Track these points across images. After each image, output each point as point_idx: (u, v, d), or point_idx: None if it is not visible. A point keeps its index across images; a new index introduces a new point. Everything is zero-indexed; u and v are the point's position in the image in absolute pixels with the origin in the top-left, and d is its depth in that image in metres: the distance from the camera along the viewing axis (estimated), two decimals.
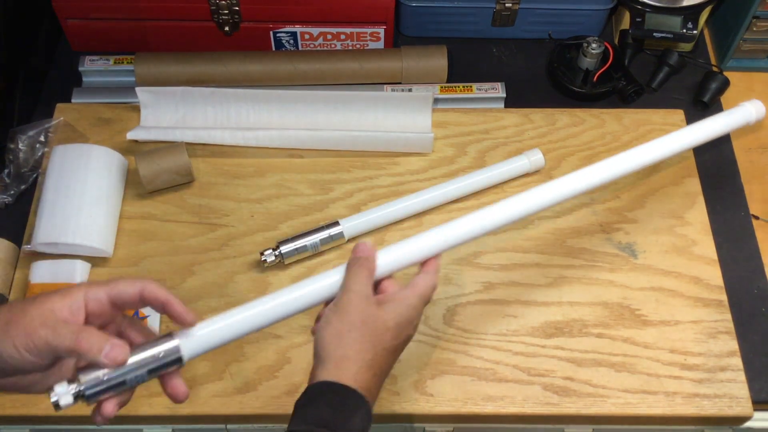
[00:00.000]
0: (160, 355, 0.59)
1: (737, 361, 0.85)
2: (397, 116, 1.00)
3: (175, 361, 0.60)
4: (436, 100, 1.04)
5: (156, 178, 0.93)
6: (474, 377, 0.83)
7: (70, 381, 0.57)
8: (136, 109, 1.01)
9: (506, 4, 1.08)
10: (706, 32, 1.15)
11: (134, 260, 0.91)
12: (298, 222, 0.94)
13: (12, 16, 1.02)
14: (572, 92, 1.06)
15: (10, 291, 0.88)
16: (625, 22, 1.09)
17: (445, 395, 0.82)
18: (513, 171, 0.96)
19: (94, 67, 1.07)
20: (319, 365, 0.62)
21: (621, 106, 1.06)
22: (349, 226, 0.90)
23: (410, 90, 1.04)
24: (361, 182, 0.97)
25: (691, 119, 1.03)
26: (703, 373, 0.84)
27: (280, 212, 0.94)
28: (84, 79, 1.08)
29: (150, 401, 0.81)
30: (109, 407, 0.58)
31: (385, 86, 1.05)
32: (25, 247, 0.90)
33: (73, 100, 1.04)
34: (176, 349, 0.60)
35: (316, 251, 0.90)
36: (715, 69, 1.09)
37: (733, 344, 0.86)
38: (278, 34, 1.08)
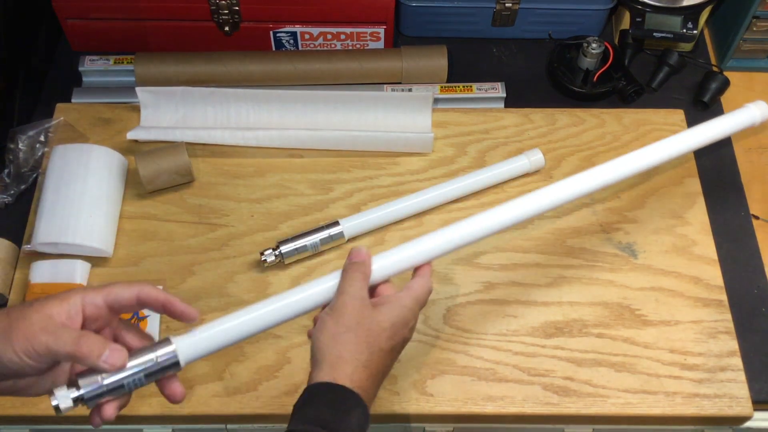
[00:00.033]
0: (158, 360, 0.60)
1: (737, 361, 0.85)
2: (397, 116, 1.00)
3: (173, 366, 0.61)
4: (436, 100, 1.04)
5: (156, 178, 0.93)
6: (474, 377, 0.83)
7: (70, 385, 0.58)
8: (136, 109, 1.01)
9: (506, 4, 1.08)
10: (706, 32, 1.15)
11: (134, 260, 0.91)
12: (298, 222, 0.94)
13: (12, 16, 1.02)
14: (572, 92, 1.06)
15: (10, 291, 0.88)
16: (625, 22, 1.09)
17: (445, 395, 0.82)
18: (513, 171, 0.96)
19: (94, 67, 1.07)
20: (315, 367, 0.63)
21: (621, 106, 1.06)
22: (349, 226, 0.90)
23: (410, 90, 1.04)
24: (361, 182, 0.97)
25: (691, 119, 1.03)
26: (703, 373, 0.84)
27: (280, 212, 0.94)
28: (84, 79, 1.08)
29: (150, 401, 0.81)
30: (110, 410, 0.59)
31: (385, 86, 1.05)
32: (25, 247, 0.90)
33: (73, 100, 1.04)
34: (174, 354, 0.61)
35: (316, 251, 0.90)
36: (715, 69, 1.09)
37: (733, 344, 0.86)
38: (278, 34, 1.08)
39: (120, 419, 0.61)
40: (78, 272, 0.87)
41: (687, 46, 1.11)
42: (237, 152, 0.99)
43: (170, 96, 1.00)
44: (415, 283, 0.68)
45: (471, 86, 1.06)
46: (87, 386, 0.58)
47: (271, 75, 1.04)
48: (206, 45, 1.08)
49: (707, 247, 0.93)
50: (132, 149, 0.98)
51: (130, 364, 0.59)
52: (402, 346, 0.67)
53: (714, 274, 0.91)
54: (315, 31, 1.07)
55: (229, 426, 0.86)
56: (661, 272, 0.91)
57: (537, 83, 1.09)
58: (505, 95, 1.06)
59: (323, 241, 0.90)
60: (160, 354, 0.60)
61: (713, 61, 1.12)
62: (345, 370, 0.61)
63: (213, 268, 0.90)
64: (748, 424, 0.85)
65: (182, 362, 0.61)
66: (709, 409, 0.82)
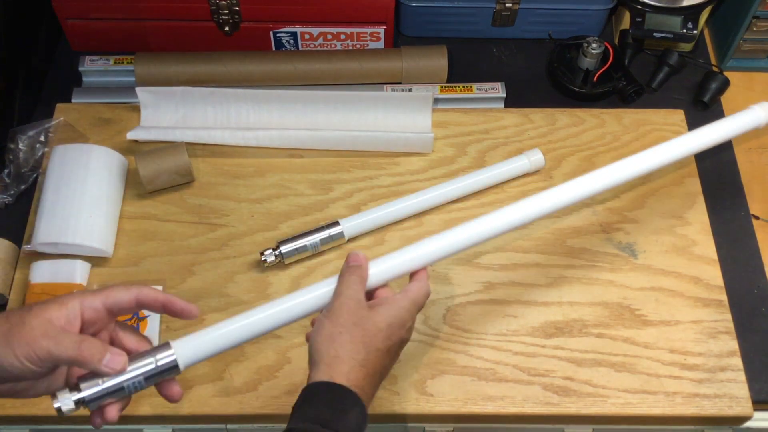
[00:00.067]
0: (158, 364, 0.61)
1: (737, 361, 0.85)
2: (397, 116, 1.00)
3: (172, 370, 0.62)
4: (436, 100, 1.04)
5: (156, 178, 0.93)
6: (474, 377, 0.83)
7: (72, 388, 0.59)
8: (136, 109, 1.01)
9: (506, 4, 1.08)
10: (706, 32, 1.15)
11: (134, 260, 0.91)
12: (298, 222, 0.94)
13: (12, 16, 1.02)
14: (572, 92, 1.06)
15: (10, 291, 0.88)
16: (625, 22, 1.09)
17: (445, 395, 0.82)
18: (513, 171, 0.96)
19: (94, 67, 1.07)
20: (313, 368, 0.64)
21: (621, 106, 1.06)
22: (349, 226, 0.90)
23: (410, 90, 1.04)
24: (361, 182, 0.97)
25: (691, 119, 1.03)
26: (703, 373, 0.84)
27: (280, 212, 0.94)
28: (84, 79, 1.08)
29: (150, 401, 0.81)
30: (113, 412, 0.60)
31: (385, 86, 1.05)
32: (25, 247, 0.90)
33: (73, 100, 1.04)
34: (173, 358, 0.62)
35: (316, 251, 0.90)
36: (715, 69, 1.09)
37: (733, 344, 0.86)
38: (278, 34, 1.08)
39: (120, 419, 0.62)
40: (78, 272, 0.87)
41: (687, 46, 1.11)
42: (237, 152, 0.99)
43: (170, 96, 1.00)
44: (412, 286, 0.69)
45: (471, 86, 1.06)
46: (88, 389, 0.59)
47: (271, 75, 1.04)
48: (206, 45, 1.08)
49: (707, 247, 0.93)
50: (132, 149, 0.98)
51: (130, 367, 0.60)
52: (399, 346, 0.68)
53: (714, 274, 0.91)
54: (315, 31, 1.07)
55: (229, 426, 0.86)
56: (661, 272, 0.91)
57: (537, 83, 1.09)
58: (505, 95, 1.06)
59: (323, 241, 0.90)
60: (160, 358, 0.61)
61: (713, 61, 1.12)
62: (342, 369, 0.62)
63: (213, 268, 0.90)
64: (748, 424, 0.85)
65: (181, 366, 0.62)
66: (709, 409, 0.82)
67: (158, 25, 1.06)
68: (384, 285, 0.70)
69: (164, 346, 0.62)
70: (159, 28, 1.07)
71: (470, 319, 0.87)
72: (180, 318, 0.63)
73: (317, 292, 0.68)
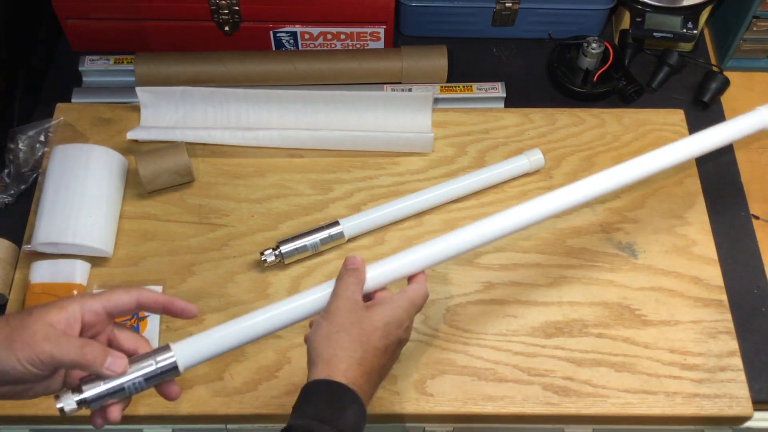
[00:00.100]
0: (158, 366, 0.62)
1: (737, 361, 0.85)
2: (397, 116, 1.00)
3: (172, 371, 0.63)
4: (436, 100, 1.04)
5: (156, 178, 0.93)
6: (474, 377, 0.83)
7: (74, 389, 0.60)
8: (136, 109, 1.01)
9: (506, 4, 1.08)
10: (706, 32, 1.15)
11: (134, 260, 0.91)
12: (298, 222, 0.94)
13: (12, 16, 1.02)
14: (572, 92, 1.06)
15: (10, 291, 0.88)
16: (625, 22, 1.09)
17: (445, 395, 0.82)
18: (513, 171, 0.96)
19: (94, 67, 1.07)
20: (311, 368, 0.64)
21: (621, 106, 1.06)
22: (349, 225, 0.90)
23: (410, 90, 1.04)
24: (361, 182, 0.97)
25: (691, 119, 1.03)
26: (703, 373, 0.84)
27: (280, 212, 0.94)
28: (84, 79, 1.08)
29: (150, 401, 0.81)
30: (115, 412, 0.62)
31: (385, 86, 1.05)
32: (25, 247, 0.90)
33: (73, 100, 1.04)
34: (173, 360, 0.63)
35: (316, 251, 0.90)
36: (715, 69, 1.09)
37: (733, 344, 0.86)
38: (278, 34, 1.08)
39: (120, 419, 0.62)
40: (78, 272, 0.87)
41: (687, 46, 1.11)
42: (237, 152, 0.99)
43: (170, 96, 1.00)
44: (410, 287, 0.70)
45: (471, 86, 1.06)
46: (90, 390, 0.60)
47: (271, 75, 1.04)
48: (206, 45, 1.08)
49: (707, 247, 0.93)
50: (132, 149, 0.98)
51: (131, 369, 0.61)
52: (398, 346, 0.68)
53: (714, 274, 0.91)
54: (315, 31, 1.07)
55: (229, 426, 0.86)
56: (661, 272, 0.91)
57: (537, 83, 1.09)
58: (505, 95, 1.06)
59: (323, 241, 0.90)
60: (160, 360, 0.62)
61: (713, 61, 1.12)
62: (339, 367, 0.63)
63: (213, 268, 0.90)
64: (748, 424, 0.85)
65: (181, 368, 0.63)
66: (709, 409, 0.82)
67: (158, 25, 1.06)
68: (382, 288, 0.71)
69: (164, 348, 0.64)
70: (159, 28, 1.07)
71: (470, 319, 0.87)
72: (180, 318, 0.64)
73: (316, 295, 0.69)
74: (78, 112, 1.02)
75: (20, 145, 0.97)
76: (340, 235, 0.90)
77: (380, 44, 1.09)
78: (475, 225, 0.74)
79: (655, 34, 1.06)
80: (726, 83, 1.06)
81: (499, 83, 1.06)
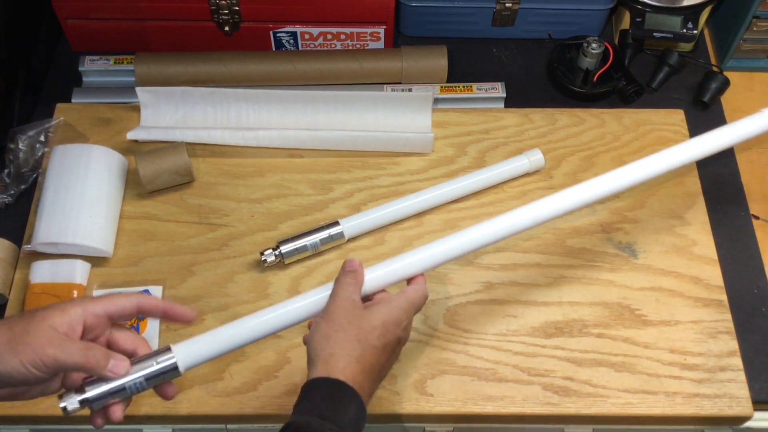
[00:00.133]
0: (159, 367, 0.63)
1: (737, 361, 0.85)
2: (397, 116, 1.00)
3: (173, 372, 0.64)
4: (436, 100, 1.04)
5: (156, 178, 0.93)
6: (474, 377, 0.83)
7: (77, 390, 0.61)
8: (136, 109, 1.01)
9: (506, 4, 1.08)
10: (706, 32, 1.15)
11: (134, 260, 0.91)
12: (298, 222, 0.94)
13: (12, 16, 1.02)
14: (572, 92, 1.06)
15: (10, 291, 0.88)
16: (625, 22, 1.09)
17: (445, 395, 0.82)
18: (513, 171, 0.96)
19: (94, 67, 1.07)
20: (311, 367, 0.65)
21: (621, 106, 1.06)
22: (349, 226, 0.90)
23: (410, 90, 1.04)
24: (361, 182, 0.97)
25: (691, 119, 1.03)
26: (703, 373, 0.84)
27: (280, 212, 0.94)
28: (84, 79, 1.08)
29: (150, 401, 0.81)
30: (118, 412, 0.63)
31: (385, 86, 1.05)
32: (25, 247, 0.90)
33: (73, 100, 1.04)
34: (173, 361, 0.64)
35: (316, 251, 0.90)
36: (715, 69, 1.09)
37: (733, 344, 0.86)
38: (278, 34, 1.08)
39: None
40: (78, 272, 0.87)
41: (687, 46, 1.11)
42: (237, 152, 0.99)
43: (170, 96, 1.00)
44: (409, 288, 0.71)
45: (471, 86, 1.06)
46: (92, 390, 0.61)
47: (271, 75, 1.04)
48: (206, 45, 1.08)
49: (707, 247, 0.93)
50: (132, 149, 0.98)
51: (133, 370, 0.62)
52: (396, 345, 0.68)
53: (714, 274, 0.91)
54: (315, 31, 1.07)
55: (229, 426, 0.86)
56: (661, 272, 0.91)
57: (537, 83, 1.09)
58: (505, 95, 1.06)
59: (323, 241, 0.90)
60: (161, 361, 0.64)
61: (713, 61, 1.12)
62: (338, 365, 0.63)
63: (213, 268, 0.90)
64: (748, 424, 0.85)
65: (181, 369, 0.64)
66: (709, 409, 0.82)
67: (158, 25, 1.06)
68: (381, 291, 0.72)
69: (165, 349, 0.64)
70: (159, 28, 1.07)
71: (470, 319, 0.87)
72: (179, 322, 0.66)
73: (315, 296, 0.69)
74: (78, 112, 1.02)
75: (20, 145, 0.97)
76: (340, 235, 0.90)
77: (380, 44, 1.09)
78: (474, 228, 0.74)
79: (655, 34, 1.06)
80: (726, 83, 1.06)
81: (499, 83, 1.06)
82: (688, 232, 0.94)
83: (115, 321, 0.64)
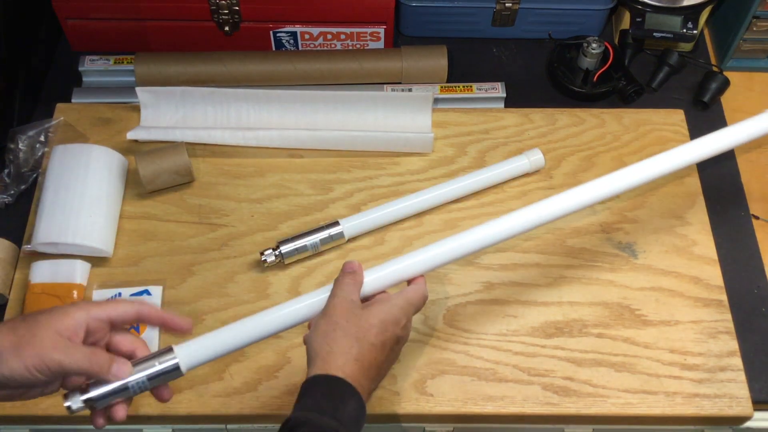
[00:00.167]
0: (161, 368, 0.65)
1: (737, 361, 0.85)
2: (397, 116, 1.00)
3: (175, 372, 0.65)
4: (436, 100, 1.04)
5: (156, 178, 0.93)
6: (474, 377, 0.83)
7: (82, 390, 0.62)
8: (136, 109, 1.01)
9: (506, 4, 1.08)
10: (706, 32, 1.15)
11: (134, 260, 0.91)
12: (298, 222, 0.94)
13: (12, 16, 1.02)
14: (572, 92, 1.06)
15: (10, 291, 0.88)
16: (625, 22, 1.09)
17: (445, 395, 0.82)
18: (513, 171, 0.96)
19: (94, 67, 1.07)
20: (310, 365, 0.66)
21: (621, 106, 1.06)
22: (349, 226, 0.90)
23: (410, 90, 1.04)
24: (361, 182, 0.97)
25: (691, 119, 1.03)
26: (703, 373, 0.84)
27: (280, 212, 0.94)
28: (84, 79, 1.08)
29: (150, 401, 0.81)
30: (121, 411, 0.64)
31: (385, 86, 1.05)
32: (25, 247, 0.90)
33: (73, 100, 1.04)
34: (175, 362, 0.65)
35: (316, 251, 0.90)
36: (715, 69, 1.09)
37: (733, 344, 0.86)
38: (278, 34, 1.08)
39: None
40: (78, 272, 0.87)
41: (687, 46, 1.11)
42: (237, 152, 0.99)
43: (170, 96, 1.00)
44: (409, 288, 0.71)
45: (471, 86, 1.06)
46: (96, 390, 0.62)
47: (271, 75, 1.04)
48: (206, 45, 1.08)
49: (707, 247, 0.93)
50: (132, 149, 0.98)
51: (136, 370, 0.63)
52: (395, 343, 0.69)
53: (714, 274, 0.91)
54: (315, 31, 1.07)
55: (229, 426, 0.86)
56: (661, 272, 0.91)
57: (537, 83, 1.09)
58: (505, 95, 1.06)
59: (323, 241, 0.90)
60: (163, 361, 0.65)
61: (713, 61, 1.12)
62: (337, 363, 0.64)
63: (213, 268, 0.90)
64: (748, 424, 0.85)
65: (183, 369, 0.65)
66: (709, 409, 0.82)
67: (158, 25, 1.06)
68: (381, 292, 0.72)
69: (167, 350, 0.65)
70: (159, 28, 1.07)
71: (470, 319, 0.87)
72: (176, 332, 0.67)
73: (315, 298, 0.70)
74: (78, 112, 1.02)
75: (20, 145, 0.97)
76: (340, 235, 0.90)
77: (380, 44, 1.09)
78: (474, 230, 0.75)
79: (655, 34, 1.06)
80: (726, 83, 1.06)
81: (499, 83, 1.06)
82: (688, 232, 0.94)
83: (116, 326, 0.65)
